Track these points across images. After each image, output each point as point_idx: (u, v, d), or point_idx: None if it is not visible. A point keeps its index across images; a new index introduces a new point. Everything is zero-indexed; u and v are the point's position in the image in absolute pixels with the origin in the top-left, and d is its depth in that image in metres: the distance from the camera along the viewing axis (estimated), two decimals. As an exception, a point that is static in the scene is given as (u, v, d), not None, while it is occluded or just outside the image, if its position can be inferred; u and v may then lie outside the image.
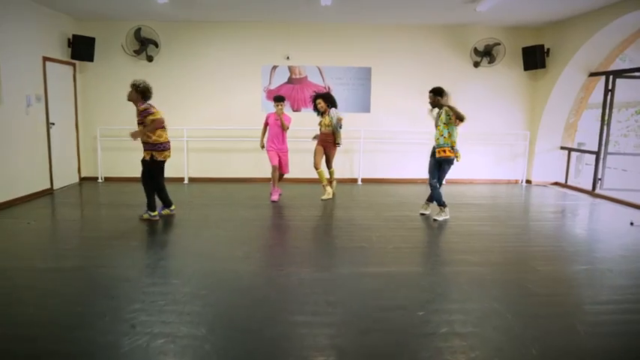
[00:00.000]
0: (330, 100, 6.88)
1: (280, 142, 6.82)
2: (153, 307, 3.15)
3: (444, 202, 5.85)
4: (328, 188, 7.06)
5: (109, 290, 3.45)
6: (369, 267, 4.07)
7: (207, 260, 4.17)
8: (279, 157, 6.84)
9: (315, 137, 7.17)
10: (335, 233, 5.22)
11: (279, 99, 6.67)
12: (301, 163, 8.03)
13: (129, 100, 5.40)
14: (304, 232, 5.21)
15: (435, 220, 5.75)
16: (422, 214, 6.06)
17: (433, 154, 5.82)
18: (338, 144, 6.96)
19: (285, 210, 6.29)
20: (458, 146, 5.68)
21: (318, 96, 6.96)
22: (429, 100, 5.77)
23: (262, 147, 6.98)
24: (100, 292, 3.41)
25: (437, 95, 5.66)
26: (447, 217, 5.84)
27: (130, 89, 5.37)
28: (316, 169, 6.96)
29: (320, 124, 6.96)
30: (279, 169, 6.92)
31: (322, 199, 6.92)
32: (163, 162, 5.60)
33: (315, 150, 7.02)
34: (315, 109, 6.99)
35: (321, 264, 4.13)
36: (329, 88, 8.59)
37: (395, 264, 4.14)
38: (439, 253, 4.65)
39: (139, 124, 5.37)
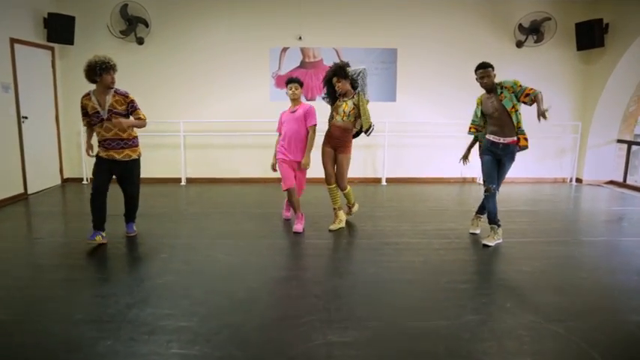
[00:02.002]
0: (350, 77, 4.63)
1: (296, 150, 4.67)
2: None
3: (498, 220, 4.37)
4: (341, 213, 4.89)
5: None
6: (419, 318, 2.90)
7: (195, 309, 3.01)
8: (294, 171, 4.72)
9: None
10: (365, 257, 4.05)
11: (292, 81, 4.67)
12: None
13: (114, 86, 4.13)
14: (325, 256, 4.06)
15: (485, 245, 4.28)
16: (472, 234, 4.65)
17: (489, 148, 4.31)
18: (367, 131, 4.63)
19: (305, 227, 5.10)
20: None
21: (334, 72, 4.61)
22: (483, 79, 4.18)
23: (274, 169, 4.91)
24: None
25: (493, 69, 4.18)
26: (500, 240, 4.37)
27: (113, 71, 4.10)
28: (329, 183, 4.82)
29: (335, 115, 4.71)
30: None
31: (331, 230, 4.74)
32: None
33: (323, 153, 4.79)
34: (329, 93, 4.78)
35: (351, 315, 2.97)
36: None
37: (454, 311, 2.97)
38: (511, 291, 3.45)
39: (122, 115, 4.12)
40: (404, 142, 7.66)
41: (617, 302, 3.18)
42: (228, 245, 4.16)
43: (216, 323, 2.79)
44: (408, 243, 4.36)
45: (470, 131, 4.54)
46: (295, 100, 4.70)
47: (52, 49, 6.99)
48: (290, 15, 7.26)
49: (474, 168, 7.78)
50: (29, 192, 6.45)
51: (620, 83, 7.17)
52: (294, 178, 4.68)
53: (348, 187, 4.88)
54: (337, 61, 7.31)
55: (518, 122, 4.16)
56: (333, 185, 4.81)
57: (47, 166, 7.03)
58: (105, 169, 4.17)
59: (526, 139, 4.20)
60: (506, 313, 2.95)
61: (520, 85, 4.11)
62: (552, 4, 7.29)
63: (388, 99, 7.54)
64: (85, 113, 4.14)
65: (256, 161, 7.44)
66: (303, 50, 7.38)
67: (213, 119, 7.36)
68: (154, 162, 7.43)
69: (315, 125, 4.66)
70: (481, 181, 7.67)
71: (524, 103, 4.11)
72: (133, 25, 6.93)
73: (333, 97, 4.76)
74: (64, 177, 7.44)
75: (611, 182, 7.73)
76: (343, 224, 4.89)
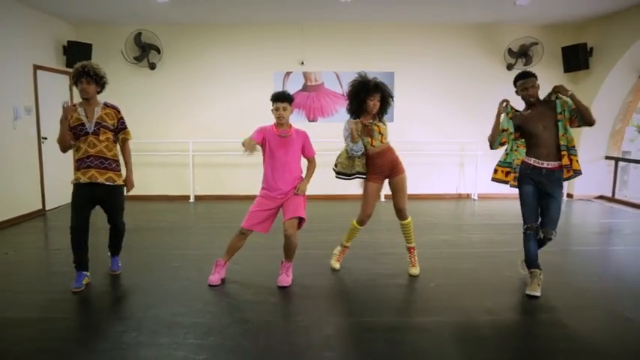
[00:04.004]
0: (388, 100, 3.91)
1: (290, 180, 3.79)
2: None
3: (539, 265, 3.60)
4: (411, 270, 4.05)
5: (77, 356, 2.67)
6: (406, 315, 3.24)
7: (207, 308, 3.36)
8: (274, 211, 3.83)
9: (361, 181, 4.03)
10: (360, 265, 4.38)
11: (281, 98, 3.69)
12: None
13: (90, 96, 3.63)
14: (324, 265, 4.38)
15: (532, 297, 3.46)
16: (533, 297, 3.47)
17: (529, 176, 3.53)
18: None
19: (303, 235, 5.44)
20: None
21: (378, 87, 3.78)
22: (527, 91, 3.48)
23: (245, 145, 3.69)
24: None
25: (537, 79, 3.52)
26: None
27: (88, 80, 3.58)
28: (362, 224, 4.06)
29: (372, 140, 3.84)
30: (286, 215, 3.72)
31: (333, 267, 4.17)
32: None
33: (370, 190, 3.95)
34: (356, 111, 3.85)
35: (344, 312, 3.31)
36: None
37: (439, 310, 3.30)
38: (493, 293, 3.77)
39: (110, 130, 3.69)
40: (401, 160, 8.02)
41: (594, 301, 3.50)
42: (236, 256, 4.38)
43: (227, 320, 3.15)
44: (401, 253, 4.67)
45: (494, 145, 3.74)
46: (284, 124, 3.77)
47: (69, 74, 7.46)
48: (292, 41, 7.73)
49: (468, 184, 8.18)
50: (47, 208, 6.85)
51: (606, 102, 7.55)
52: (287, 209, 3.73)
53: (409, 216, 4.11)
54: (338, 83, 7.82)
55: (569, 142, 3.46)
56: (363, 226, 4.11)
57: (63, 184, 7.40)
58: (85, 200, 3.64)
59: (578, 162, 3.51)
60: (487, 313, 3.28)
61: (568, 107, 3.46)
62: (539, 30, 7.74)
63: (387, 119, 7.92)
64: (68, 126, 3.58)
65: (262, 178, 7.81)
66: (305, 74, 7.82)
67: (220, 139, 7.77)
68: (164, 180, 7.85)
69: (312, 155, 3.95)
70: (475, 197, 8.03)
71: (572, 113, 3.42)
72: (145, 52, 7.41)
73: (356, 113, 3.88)
74: (79, 194, 7.84)
75: (601, 197, 8.05)
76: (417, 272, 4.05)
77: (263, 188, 3.91)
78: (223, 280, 3.84)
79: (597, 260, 4.64)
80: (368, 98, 3.77)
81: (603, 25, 7.29)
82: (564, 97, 3.42)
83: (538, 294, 3.46)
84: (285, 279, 3.78)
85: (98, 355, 2.66)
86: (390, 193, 4.10)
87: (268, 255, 4.52)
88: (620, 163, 8.01)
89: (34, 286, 3.83)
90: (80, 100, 3.72)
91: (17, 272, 4.22)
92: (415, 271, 4.04)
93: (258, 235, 3.88)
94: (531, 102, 3.52)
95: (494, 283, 3.88)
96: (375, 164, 3.91)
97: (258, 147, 3.76)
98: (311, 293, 3.64)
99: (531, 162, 3.52)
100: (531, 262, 3.58)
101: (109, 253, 4.10)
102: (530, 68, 7.60)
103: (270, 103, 3.78)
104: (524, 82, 3.49)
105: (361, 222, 4.05)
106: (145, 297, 3.54)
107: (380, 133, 3.86)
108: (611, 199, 7.84)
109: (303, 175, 3.90)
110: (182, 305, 3.37)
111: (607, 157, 7.96)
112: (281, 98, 3.70)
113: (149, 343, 2.79)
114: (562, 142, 3.42)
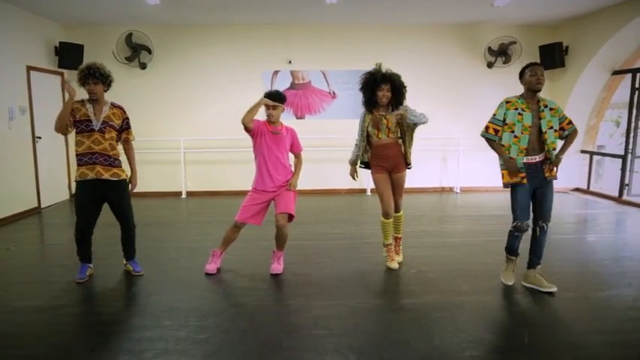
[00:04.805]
0: (400, 91, 3.94)
1: (284, 173, 4.01)
2: (140, 361, 2.62)
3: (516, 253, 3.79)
4: (395, 259, 4.24)
5: (88, 338, 2.91)
6: (389, 298, 3.53)
7: (205, 294, 3.63)
8: (265, 204, 4.05)
9: (354, 173, 4.24)
10: (345, 254, 4.66)
11: (277, 98, 3.88)
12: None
13: (98, 97, 3.69)
14: (312, 254, 4.65)
15: (546, 293, 3.57)
16: (548, 293, 3.56)
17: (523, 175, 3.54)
18: (409, 165, 4.13)
19: (293, 227, 5.71)
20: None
21: (390, 79, 3.85)
22: (540, 83, 3.48)
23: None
24: (77, 341, 2.87)
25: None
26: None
27: (95, 81, 3.62)
28: (388, 217, 4.07)
29: (377, 132, 3.96)
30: (277, 209, 3.97)
31: (390, 267, 4.13)
32: None
33: (380, 180, 4.04)
34: (367, 103, 3.96)
35: (331, 295, 3.59)
36: (334, 94, 8.08)
37: (420, 293, 3.59)
38: (468, 278, 4.06)
39: (115, 130, 3.80)
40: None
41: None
42: (230, 247, 4.63)
43: (223, 304, 3.43)
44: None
45: (486, 132, 3.64)
46: (276, 122, 3.97)
47: (61, 74, 7.62)
48: (280, 41, 7.97)
49: (451, 178, 8.51)
50: (42, 206, 7.02)
51: (581, 99, 7.91)
52: (279, 204, 3.95)
53: (402, 209, 4.28)
54: (324, 82, 8.08)
55: (551, 143, 3.53)
56: (392, 219, 4.12)
57: (57, 182, 7.59)
58: (90, 199, 3.72)
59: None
60: (463, 294, 3.58)
61: (563, 112, 3.60)
62: (517, 29, 8.07)
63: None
64: (74, 120, 3.65)
65: (252, 174, 8.05)
66: (292, 73, 8.07)
67: (211, 137, 7.98)
68: (157, 177, 8.05)
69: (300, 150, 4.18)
70: (457, 190, 8.36)
71: (562, 131, 3.59)
72: (137, 52, 7.59)
73: (368, 105, 3.98)
74: (72, 192, 8.01)
75: (577, 189, 8.44)
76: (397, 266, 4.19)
77: (255, 188, 4.07)
78: (219, 270, 4.10)
79: (571, 247, 4.95)
80: (377, 89, 3.85)
81: (578, 25, 7.64)
82: (555, 108, 3.56)
83: (510, 282, 3.73)
84: (277, 267, 4.06)
85: (108, 337, 2.90)
86: (373, 187, 4.34)
87: (260, 246, 4.78)
88: (595, 157, 8.39)
89: (40, 277, 4.05)
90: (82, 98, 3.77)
91: (23, 265, 4.44)
92: (399, 258, 4.31)
93: (250, 227, 4.13)
94: (537, 89, 3.50)
95: (470, 269, 4.17)
96: (377, 155, 4.04)
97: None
98: (301, 280, 3.91)
99: (524, 160, 3.54)
100: (513, 250, 3.74)
101: (124, 260, 4.10)
102: (509, 66, 7.97)
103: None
104: (534, 67, 3.51)
105: (386, 214, 4.07)
106: (146, 285, 3.78)
107: (387, 127, 3.93)
108: (587, 191, 8.22)
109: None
110: (181, 292, 3.63)
111: (582, 151, 8.33)
112: (274, 97, 3.87)
113: (153, 325, 3.04)
114: (546, 138, 3.51)
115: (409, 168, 4.14)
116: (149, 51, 7.69)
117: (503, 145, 3.58)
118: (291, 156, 4.16)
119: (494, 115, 3.62)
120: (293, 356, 2.68)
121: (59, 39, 7.39)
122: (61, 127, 3.64)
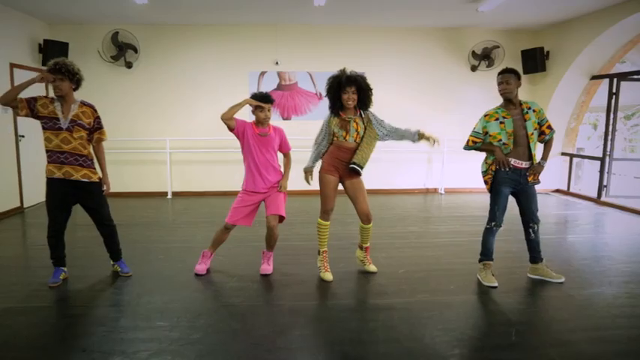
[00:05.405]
0: (366, 93, 3.78)
1: (273, 174, 3.99)
2: (134, 361, 2.62)
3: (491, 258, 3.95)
4: (370, 265, 4.15)
5: (79, 339, 2.89)
6: (380, 297, 3.59)
7: (195, 295, 3.64)
8: (255, 205, 4.02)
9: (309, 177, 4.05)
10: (335, 255, 4.71)
11: (269, 100, 3.86)
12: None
13: (64, 93, 3.57)
14: (301, 254, 4.68)
15: (491, 287, 3.77)
16: (492, 287, 3.77)
17: (510, 177, 3.73)
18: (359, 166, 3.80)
19: (281, 228, 5.74)
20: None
21: (355, 81, 3.71)
22: (500, 85, 3.65)
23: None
24: (68, 343, 2.86)
25: (519, 79, 3.69)
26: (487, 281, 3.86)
27: (61, 77, 3.53)
28: (326, 220, 3.98)
29: (345, 135, 3.78)
30: (268, 211, 3.95)
31: (325, 279, 3.93)
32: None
33: (327, 182, 3.88)
34: (333, 107, 3.82)
35: (323, 295, 3.64)
36: (320, 95, 8.12)
37: (409, 292, 3.66)
38: (455, 277, 4.15)
39: (84, 129, 3.65)
40: (372, 156, 8.39)
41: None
42: (219, 248, 4.54)
43: (214, 304, 3.44)
44: (374, 243, 5.01)
45: (467, 145, 3.87)
46: (265, 123, 3.94)
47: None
48: (267, 42, 7.98)
49: (435, 179, 8.63)
50: (25, 205, 6.91)
51: (561, 102, 8.11)
52: (270, 205, 3.95)
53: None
54: (311, 83, 8.12)
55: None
56: (329, 222, 4.00)
57: (41, 181, 7.45)
58: (61, 198, 3.65)
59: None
60: (450, 294, 3.66)
61: (544, 114, 3.74)
62: (500, 34, 8.23)
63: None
64: (34, 109, 3.52)
65: (237, 175, 8.04)
66: (279, 74, 8.08)
67: (197, 137, 7.96)
68: (142, 177, 7.99)
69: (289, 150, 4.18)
70: (442, 192, 8.48)
71: (542, 135, 3.76)
72: (123, 51, 7.52)
73: (334, 108, 3.84)
74: (55, 192, 7.89)
75: (557, 190, 8.64)
76: (375, 269, 4.14)
77: (245, 190, 4.00)
78: (209, 270, 4.11)
79: (552, 247, 5.07)
80: (342, 92, 3.71)
81: (559, 30, 7.83)
82: (537, 110, 3.70)
83: (496, 284, 3.78)
84: (267, 268, 4.09)
85: (98, 338, 2.89)
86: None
87: (250, 247, 4.81)
88: (575, 159, 8.60)
89: (25, 279, 4.00)
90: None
91: (9, 265, 4.38)
92: (372, 268, 4.15)
93: (239, 228, 4.15)
94: (504, 97, 3.66)
95: (457, 268, 4.26)
96: (336, 156, 3.83)
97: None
98: (291, 280, 3.94)
99: (512, 163, 3.68)
100: (489, 253, 3.90)
101: (111, 261, 4.07)
102: (492, 70, 8.11)
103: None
104: (501, 76, 3.66)
105: (324, 217, 3.96)
106: (135, 287, 3.77)
107: (357, 131, 3.78)
108: (567, 193, 8.43)
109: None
110: (171, 293, 3.63)
111: (563, 154, 8.53)
112: (267, 100, 3.84)
113: (145, 326, 3.04)
114: (531, 142, 3.66)
115: (357, 170, 3.80)
116: (135, 50, 7.63)
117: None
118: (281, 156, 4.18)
119: (474, 128, 3.83)
120: (286, 356, 2.72)
121: (43, 36, 7.29)
122: (8, 98, 3.46)
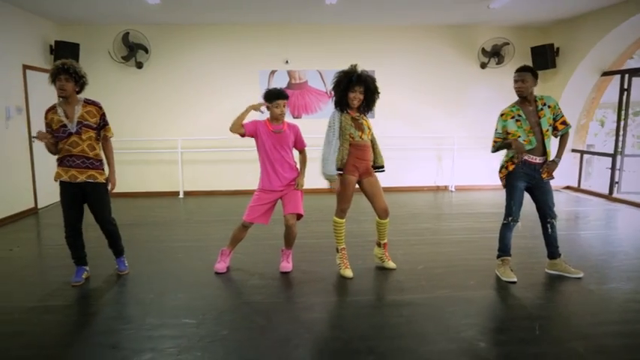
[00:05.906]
0: (373, 96, 3.82)
1: (289, 171, 4.00)
2: (165, 357, 2.65)
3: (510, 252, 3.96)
4: (389, 262, 4.18)
5: (106, 337, 2.93)
6: (400, 293, 3.61)
7: (218, 292, 3.68)
8: (272, 203, 4.03)
9: (334, 183, 3.82)
10: (352, 252, 4.72)
11: (284, 96, 3.88)
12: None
13: (68, 94, 3.52)
14: (317, 252, 4.70)
15: (510, 282, 3.78)
16: (511, 282, 3.78)
17: (525, 172, 3.76)
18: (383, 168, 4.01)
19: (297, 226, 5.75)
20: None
21: (365, 80, 3.70)
22: (516, 83, 3.67)
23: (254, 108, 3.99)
24: (97, 340, 2.89)
25: (536, 78, 3.69)
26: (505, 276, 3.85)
27: (66, 77, 3.47)
28: (342, 218, 3.96)
29: (360, 133, 3.78)
30: (286, 209, 3.98)
31: (345, 276, 3.92)
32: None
33: (349, 183, 3.82)
34: (339, 103, 3.79)
35: (342, 291, 3.66)
36: (330, 93, 8.12)
37: (429, 288, 3.69)
38: (474, 273, 4.17)
39: (92, 129, 3.63)
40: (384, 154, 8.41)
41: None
42: (238, 247, 4.36)
43: (237, 301, 3.49)
44: (389, 240, 5.04)
45: (492, 147, 3.96)
46: (279, 120, 3.95)
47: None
48: (278, 40, 8.00)
49: (446, 177, 8.64)
50: (39, 206, 6.96)
51: (572, 99, 8.10)
52: (287, 204, 3.96)
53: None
54: (321, 81, 8.13)
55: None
56: (343, 220, 3.99)
57: (54, 182, 7.50)
58: (73, 199, 3.70)
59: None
60: (470, 289, 3.68)
61: (560, 109, 3.77)
62: (510, 31, 8.23)
63: (368, 116, 8.30)
64: (50, 130, 3.57)
65: (249, 174, 8.07)
66: (289, 73, 8.11)
67: (208, 136, 7.99)
68: (154, 177, 8.03)
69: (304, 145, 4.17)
70: (452, 189, 8.49)
71: (555, 131, 3.79)
72: (133, 52, 7.56)
73: (340, 105, 3.82)
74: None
75: (568, 187, 8.63)
76: (394, 266, 4.15)
77: (262, 188, 4.00)
78: (228, 268, 4.14)
79: (565, 243, 5.06)
80: (349, 90, 3.68)
81: (569, 27, 7.83)
82: (552, 105, 3.71)
83: (515, 279, 3.78)
84: (287, 265, 4.11)
85: (126, 335, 2.93)
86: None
87: (267, 245, 4.84)
88: (585, 156, 8.59)
89: (46, 278, 4.06)
90: (57, 100, 3.64)
91: (27, 265, 4.43)
92: (391, 264, 4.17)
93: (256, 226, 4.16)
94: (519, 96, 3.70)
95: (474, 264, 4.28)
96: (356, 156, 3.80)
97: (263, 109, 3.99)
98: (310, 277, 3.97)
99: (527, 158, 3.73)
100: (507, 249, 3.91)
101: (114, 256, 4.12)
102: (502, 67, 8.12)
103: (263, 100, 3.96)
104: (516, 74, 3.68)
105: (341, 216, 3.96)
106: (157, 285, 3.81)
107: (368, 127, 3.86)
108: (577, 189, 8.42)
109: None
110: (194, 291, 3.67)
111: (573, 150, 8.52)
112: (282, 96, 3.86)
113: (172, 323, 3.08)
114: (546, 138, 3.70)
115: (383, 171, 3.99)
116: (146, 50, 7.66)
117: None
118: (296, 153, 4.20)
119: (495, 130, 3.90)
120: (314, 352, 2.75)
121: (55, 37, 7.34)
122: (53, 154, 3.68)
